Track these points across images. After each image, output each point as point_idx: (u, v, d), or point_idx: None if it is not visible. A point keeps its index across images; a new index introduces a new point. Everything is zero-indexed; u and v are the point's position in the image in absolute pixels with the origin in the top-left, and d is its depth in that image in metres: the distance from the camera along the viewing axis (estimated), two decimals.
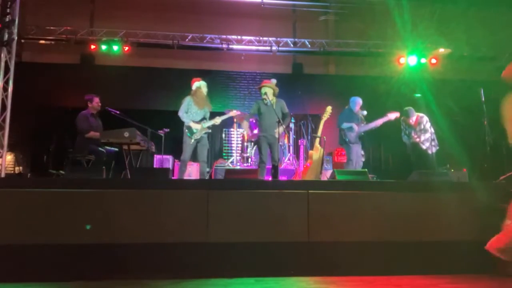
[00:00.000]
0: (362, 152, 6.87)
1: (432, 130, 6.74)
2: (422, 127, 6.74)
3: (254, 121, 7.88)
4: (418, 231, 4.65)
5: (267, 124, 6.11)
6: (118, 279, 4.11)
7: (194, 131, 6.05)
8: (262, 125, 6.20)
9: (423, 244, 4.64)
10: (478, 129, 6.62)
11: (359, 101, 6.98)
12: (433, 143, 6.70)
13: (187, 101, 6.13)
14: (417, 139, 6.73)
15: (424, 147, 6.68)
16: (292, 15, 10.67)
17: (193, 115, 6.11)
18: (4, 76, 6.96)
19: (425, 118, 6.79)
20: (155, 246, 4.27)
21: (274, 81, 6.48)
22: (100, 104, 6.48)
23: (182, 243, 4.31)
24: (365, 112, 6.98)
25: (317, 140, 6.38)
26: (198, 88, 6.20)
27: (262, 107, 6.18)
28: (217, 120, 6.23)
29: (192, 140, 6.05)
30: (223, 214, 4.37)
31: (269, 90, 6.14)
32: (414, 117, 6.84)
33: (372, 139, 7.53)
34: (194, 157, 6.29)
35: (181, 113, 6.10)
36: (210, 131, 6.24)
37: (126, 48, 9.38)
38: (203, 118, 6.16)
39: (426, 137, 6.70)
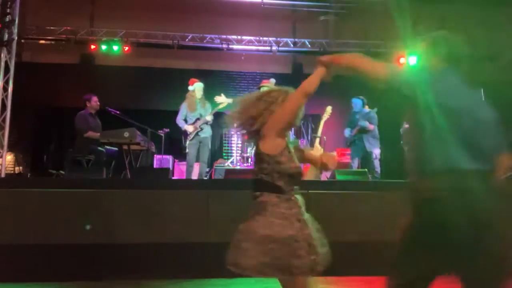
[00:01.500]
0: (374, 156, 6.73)
1: None
2: None
3: None
4: None
5: None
6: (118, 279, 4.11)
7: (188, 133, 6.24)
8: None
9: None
10: None
11: (355, 101, 6.99)
12: None
13: (182, 108, 6.33)
14: None
15: None
16: (292, 15, 10.66)
17: (190, 119, 6.32)
18: (4, 76, 6.96)
19: None
20: (155, 246, 4.27)
21: (273, 80, 6.53)
22: (98, 103, 6.47)
23: (182, 243, 4.31)
24: (365, 110, 6.94)
25: (317, 140, 6.39)
26: (191, 92, 6.36)
27: None
28: (208, 118, 6.31)
29: (187, 142, 6.23)
30: (223, 214, 4.37)
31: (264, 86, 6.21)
32: None
33: None
34: (197, 157, 6.36)
35: (178, 121, 6.30)
36: (201, 129, 6.29)
37: (126, 48, 9.37)
38: (197, 119, 6.28)
39: None
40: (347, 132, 6.98)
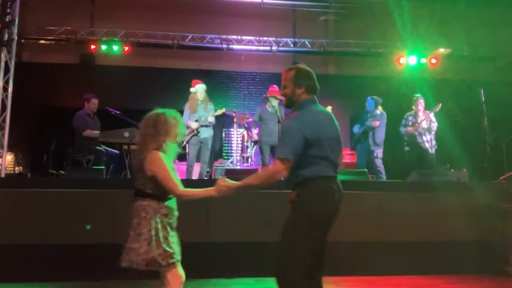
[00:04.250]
0: (376, 154, 6.77)
1: (435, 129, 6.67)
2: (427, 125, 6.63)
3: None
4: (418, 231, 4.65)
5: (270, 129, 6.50)
6: (118, 279, 4.10)
7: (186, 133, 6.31)
8: (265, 129, 6.61)
9: (423, 244, 4.64)
10: (478, 129, 6.61)
11: (369, 101, 6.98)
12: (433, 143, 6.67)
13: (185, 109, 6.35)
14: (421, 129, 6.62)
15: (425, 146, 6.62)
16: (292, 15, 10.66)
17: (190, 120, 6.33)
18: (4, 76, 6.96)
19: (432, 115, 6.68)
20: None
21: (276, 87, 6.72)
22: (97, 105, 6.46)
23: (182, 243, 4.30)
24: (377, 111, 6.93)
25: None
26: (193, 94, 6.38)
27: (265, 114, 6.62)
28: (210, 119, 6.41)
29: (184, 142, 6.32)
30: (223, 214, 4.38)
31: (274, 99, 6.45)
32: (421, 106, 6.71)
33: None
34: (197, 157, 6.39)
35: (186, 122, 6.36)
36: (197, 132, 6.33)
37: (126, 48, 9.36)
38: (196, 121, 6.32)
39: (430, 137, 6.64)
40: (356, 128, 7.05)
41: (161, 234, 2.57)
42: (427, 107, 6.79)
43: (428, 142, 6.63)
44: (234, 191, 2.57)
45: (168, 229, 2.64)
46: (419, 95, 6.90)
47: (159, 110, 2.86)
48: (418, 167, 6.20)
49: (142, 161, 2.63)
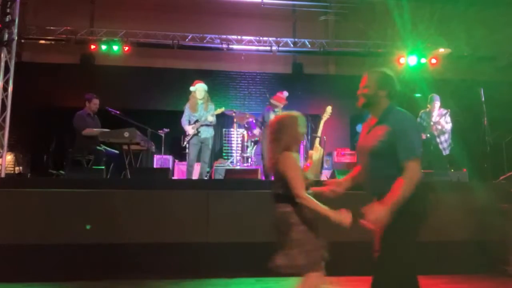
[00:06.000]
0: None
1: (449, 129, 6.60)
2: (440, 127, 6.56)
3: (254, 121, 7.88)
4: None
5: None
6: (118, 279, 4.11)
7: (187, 133, 6.38)
8: (266, 133, 6.58)
9: (423, 244, 4.63)
10: (478, 129, 6.61)
11: None
12: (448, 142, 6.59)
13: (185, 108, 6.41)
14: (434, 131, 6.56)
15: (440, 146, 6.58)
16: (292, 15, 10.66)
17: (192, 120, 6.38)
18: (4, 76, 6.96)
19: (448, 114, 6.59)
20: (155, 246, 4.27)
21: (286, 93, 6.86)
22: (98, 106, 6.47)
23: (182, 243, 4.31)
24: None
25: (317, 140, 6.38)
26: (193, 93, 6.42)
27: (268, 118, 6.75)
28: (210, 119, 6.43)
29: (185, 143, 6.41)
30: (223, 214, 4.38)
31: (279, 104, 6.65)
32: (437, 105, 6.64)
33: None
34: (198, 158, 6.41)
35: (182, 121, 6.40)
36: (197, 131, 6.34)
37: (126, 48, 9.36)
38: (196, 121, 6.34)
39: (445, 138, 6.58)
40: (359, 127, 7.07)
41: (310, 236, 2.64)
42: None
43: (442, 143, 6.57)
44: (384, 213, 2.38)
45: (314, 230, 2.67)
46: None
47: (284, 113, 2.82)
48: (434, 169, 6.18)
49: (276, 164, 2.67)
